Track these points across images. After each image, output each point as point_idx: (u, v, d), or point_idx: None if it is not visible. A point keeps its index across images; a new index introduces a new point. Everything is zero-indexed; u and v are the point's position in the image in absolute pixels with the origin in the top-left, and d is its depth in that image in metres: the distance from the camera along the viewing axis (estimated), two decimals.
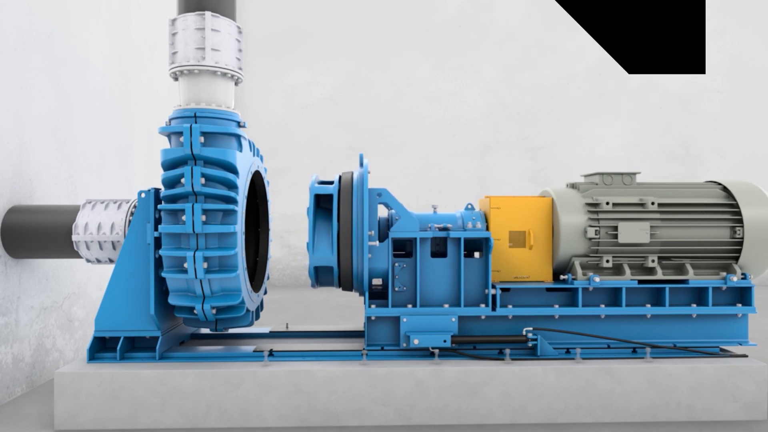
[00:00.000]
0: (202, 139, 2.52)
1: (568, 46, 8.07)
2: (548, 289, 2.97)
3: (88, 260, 3.03)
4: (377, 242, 2.74)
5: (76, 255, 3.04)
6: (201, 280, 2.59)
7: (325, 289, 7.76)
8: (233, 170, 2.61)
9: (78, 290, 3.73)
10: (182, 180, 2.51)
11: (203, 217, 2.53)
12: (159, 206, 2.56)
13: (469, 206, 3.16)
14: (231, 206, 2.58)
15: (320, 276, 2.96)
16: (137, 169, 4.73)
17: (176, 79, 2.73)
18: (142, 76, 4.83)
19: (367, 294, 2.83)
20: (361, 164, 3.06)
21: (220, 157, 2.55)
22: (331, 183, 3.17)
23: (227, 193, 2.57)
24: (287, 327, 3.40)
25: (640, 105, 8.07)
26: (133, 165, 4.65)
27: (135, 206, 2.98)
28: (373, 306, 2.84)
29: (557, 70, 8.07)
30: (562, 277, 2.94)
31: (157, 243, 2.73)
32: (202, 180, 2.52)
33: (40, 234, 2.96)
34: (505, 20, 8.06)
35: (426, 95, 8.05)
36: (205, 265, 2.55)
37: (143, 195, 2.76)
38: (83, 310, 3.80)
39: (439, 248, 3.06)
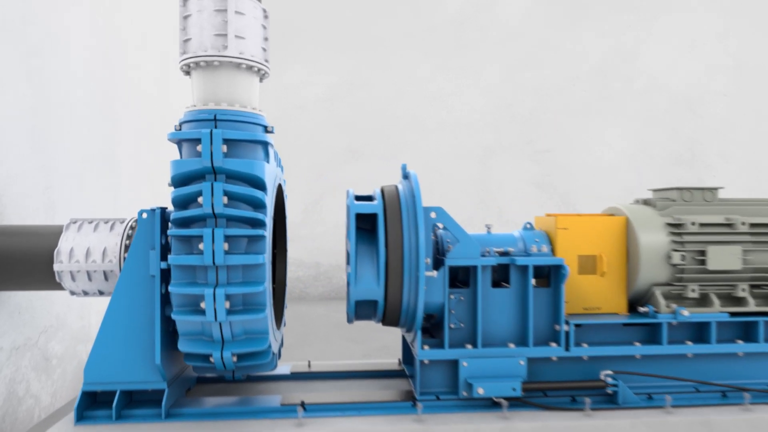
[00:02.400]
0: (224, 147, 2.01)
1: (572, 46, 7.74)
2: (625, 324, 2.55)
3: (72, 293, 2.48)
4: (435, 272, 2.28)
5: (57, 287, 2.49)
6: (221, 323, 2.09)
7: (323, 303, 7.25)
8: (261, 186, 2.11)
9: (56, 322, 3.16)
10: (199, 199, 2.00)
11: (226, 245, 2.02)
12: (170, 231, 2.04)
13: (528, 226, 2.73)
14: (258, 231, 2.08)
15: (359, 310, 2.49)
16: (123, 177, 4.16)
17: (187, 73, 2.22)
18: (128, 70, 4.25)
19: (419, 333, 2.36)
20: (406, 176, 2.59)
21: (247, 170, 2.05)
22: (369, 198, 2.69)
23: (254, 215, 2.07)
24: (310, 366, 2.91)
25: (645, 107, 7.79)
26: (119, 173, 4.07)
27: (132, 227, 2.45)
28: (426, 347, 2.38)
29: (561, 70, 7.73)
30: (641, 309, 2.53)
31: (163, 275, 2.22)
32: (225, 199, 2.01)
33: (12, 262, 2.40)
34: (507, 19, 7.68)
35: (427, 96, 7.61)
36: (228, 304, 2.04)
37: (145, 215, 2.23)
38: (62, 345, 3.23)
39: (497, 276, 2.61)
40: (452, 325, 2.43)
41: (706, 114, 7.79)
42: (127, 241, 2.40)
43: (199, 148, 1.99)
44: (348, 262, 2.42)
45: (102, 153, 3.80)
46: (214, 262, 2.01)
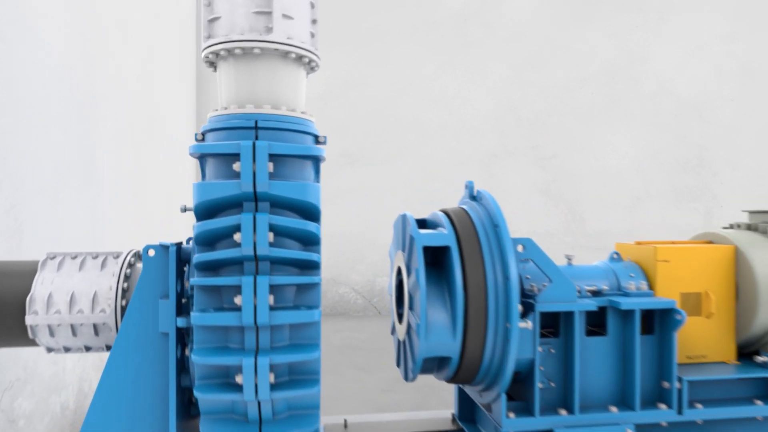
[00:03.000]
0: (271, 166, 1.48)
1: (579, 46, 7.39)
2: (740, 379, 2.12)
3: (50, 350, 1.91)
4: (529, 323, 1.80)
5: (29, 343, 1.90)
6: (260, 402, 1.55)
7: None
8: (315, 216, 1.59)
9: (24, 374, 2.55)
10: (236, 236, 1.46)
11: (271, 299, 1.49)
12: (194, 281, 1.49)
13: (615, 255, 2.27)
14: (312, 278, 1.55)
15: (425, 365, 1.98)
16: (103, 189, 3.54)
17: (212, 64, 1.67)
18: (109, 63, 3.63)
19: (504, 398, 1.87)
20: (474, 196, 2.10)
21: (299, 196, 1.52)
22: (423, 223, 2.19)
23: (307, 256, 1.54)
24: (346, 425, 2.38)
25: (653, 111, 7.51)
26: (99, 184, 3.46)
27: (131, 264, 1.89)
28: (511, 415, 1.89)
29: (568, 71, 7.37)
30: (759, 358, 2.11)
31: (178, 333, 1.67)
32: (271, 236, 1.48)
33: None
34: (513, 17, 7.27)
35: (428, 96, 7.14)
36: (272, 377, 1.51)
37: (152, 252, 1.68)
38: (31, 400, 2.62)
39: (589, 320, 2.15)
40: (540, 385, 1.96)
41: (714, 119, 7.56)
42: (125, 284, 1.84)
43: (236, 166, 1.46)
44: (408, 306, 1.92)
45: (79, 161, 3.18)
46: (256, 322, 1.48)
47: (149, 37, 4.58)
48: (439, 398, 3.61)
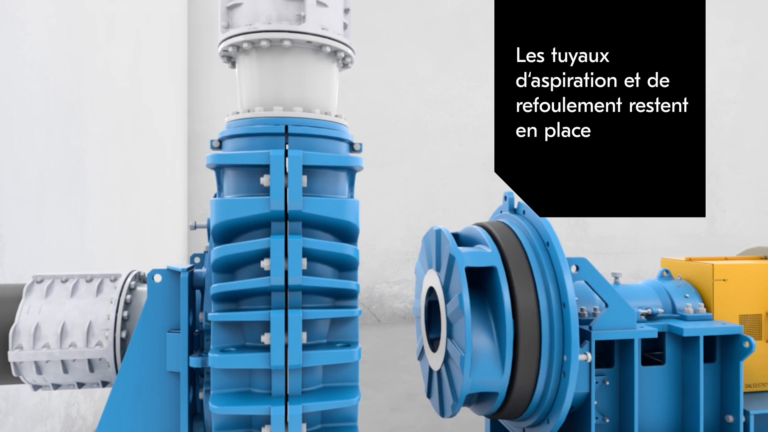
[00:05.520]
0: (304, 180, 1.25)
1: None
2: None
3: (37, 387, 1.66)
4: (588, 355, 1.59)
5: (13, 381, 1.65)
6: None
7: None
8: (353, 238, 1.36)
9: (6, 405, 2.29)
10: (263, 262, 1.23)
11: (304, 336, 1.26)
12: (212, 316, 1.26)
13: (665, 273, 2.08)
14: (350, 311, 1.33)
15: (467, 399, 1.77)
16: (92, 195, 3.27)
17: (230, 59, 1.44)
18: (96, 59, 3.36)
19: None
20: (515, 209, 1.89)
21: (336, 215, 1.29)
22: (456, 238, 1.97)
23: (344, 285, 1.31)
24: None
25: None
26: (85, 191, 3.19)
27: (131, 288, 1.64)
28: None
29: None
30: None
31: (191, 373, 1.43)
32: (304, 262, 1.25)
33: None
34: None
35: (428, 97, 6.93)
36: (305, 428, 1.28)
37: (158, 278, 1.45)
38: None
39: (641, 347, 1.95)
40: (596, 419, 1.75)
41: (717, 123, 7.46)
42: (125, 312, 1.60)
43: (264, 180, 1.23)
44: (447, 334, 1.70)
45: (65, 166, 2.92)
46: (286, 364, 1.25)
47: (138, 32, 4.31)
48: (454, 419, 3.39)
